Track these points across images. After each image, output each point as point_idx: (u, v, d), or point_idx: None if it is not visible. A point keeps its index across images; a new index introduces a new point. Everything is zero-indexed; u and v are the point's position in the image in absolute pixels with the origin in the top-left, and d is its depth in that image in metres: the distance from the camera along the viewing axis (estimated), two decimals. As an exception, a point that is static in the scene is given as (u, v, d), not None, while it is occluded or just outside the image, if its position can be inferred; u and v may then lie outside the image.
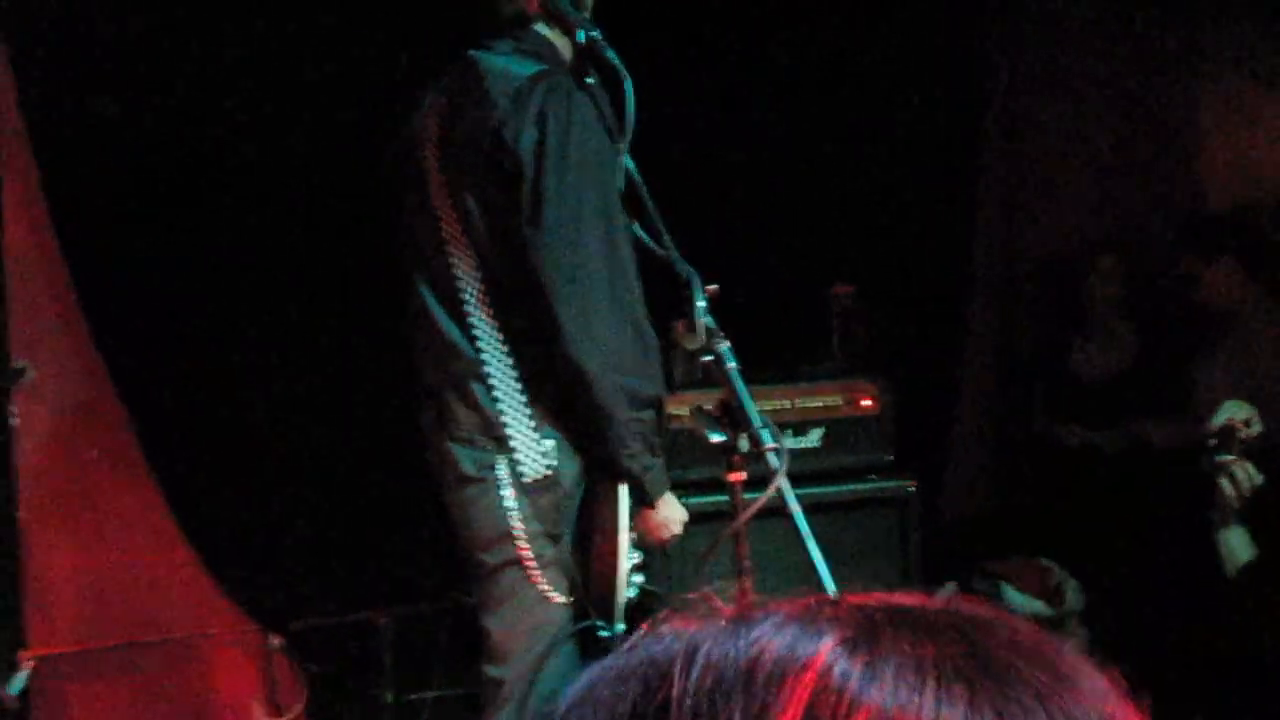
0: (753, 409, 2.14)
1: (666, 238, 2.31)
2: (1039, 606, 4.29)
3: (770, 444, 2.10)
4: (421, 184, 2.80)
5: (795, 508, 2.06)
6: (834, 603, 0.62)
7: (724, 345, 2.19)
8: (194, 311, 4.06)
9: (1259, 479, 3.31)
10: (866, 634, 0.58)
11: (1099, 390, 4.98)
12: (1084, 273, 5.06)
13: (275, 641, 4.08)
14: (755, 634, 0.59)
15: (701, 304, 2.22)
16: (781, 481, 2.05)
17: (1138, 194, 5.35)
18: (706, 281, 2.39)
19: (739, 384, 2.17)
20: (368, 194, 3.34)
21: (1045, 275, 5.38)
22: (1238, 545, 3.43)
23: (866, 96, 4.67)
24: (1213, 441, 3.35)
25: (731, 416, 2.18)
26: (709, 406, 2.21)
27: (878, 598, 0.63)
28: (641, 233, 2.34)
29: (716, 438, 2.18)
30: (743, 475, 2.22)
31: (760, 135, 4.51)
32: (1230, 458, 3.31)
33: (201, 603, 4.07)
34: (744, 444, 2.13)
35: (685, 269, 2.28)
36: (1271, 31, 5.07)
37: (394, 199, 2.92)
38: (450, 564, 3.21)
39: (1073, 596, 4.33)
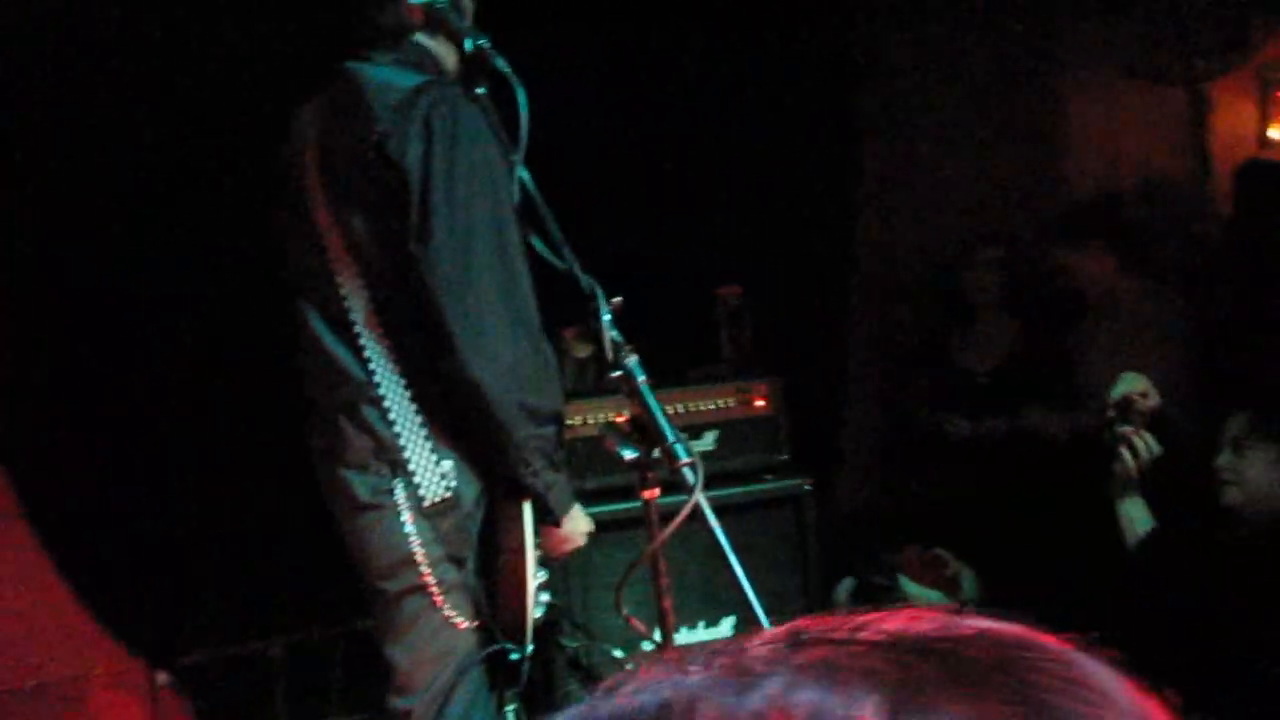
0: (666, 424, 2.09)
1: (567, 250, 2.24)
2: (935, 597, 4.33)
3: (685, 459, 2.04)
4: (302, 203, 2.69)
5: (714, 524, 2.01)
6: (830, 640, 0.55)
7: (632, 359, 2.13)
8: (55, 347, 3.88)
9: (1157, 449, 3.39)
10: (912, 692, 0.51)
11: (983, 381, 5.05)
12: (962, 265, 5.13)
13: (161, 679, 3.92)
14: (767, 690, 0.52)
15: (607, 317, 2.15)
16: (699, 497, 2.00)
17: (1011, 185, 5.44)
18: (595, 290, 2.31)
19: (650, 398, 2.11)
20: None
21: (925, 269, 5.44)
22: (1136, 516, 3.50)
23: (743, 98, 4.67)
24: (1112, 414, 3.42)
25: (644, 432, 2.12)
26: (620, 422, 2.15)
27: (896, 625, 0.56)
28: (540, 246, 2.27)
29: (629, 454, 2.13)
30: (656, 492, 2.16)
31: (639, 140, 4.48)
32: (1129, 428, 3.37)
33: (79, 642, 3.89)
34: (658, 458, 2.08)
35: (588, 281, 2.21)
36: (1128, 21, 5.20)
37: (273, 219, 2.80)
38: (342, 587, 3.11)
39: (968, 585, 4.37)
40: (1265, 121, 6.78)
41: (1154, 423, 3.41)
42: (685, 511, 1.98)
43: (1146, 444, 3.39)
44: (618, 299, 2.20)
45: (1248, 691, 3.18)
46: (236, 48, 3.89)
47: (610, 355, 2.13)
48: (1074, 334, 4.90)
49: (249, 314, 3.85)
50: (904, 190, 5.42)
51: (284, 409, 2.93)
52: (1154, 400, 3.40)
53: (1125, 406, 3.40)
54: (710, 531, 2.03)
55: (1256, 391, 3.46)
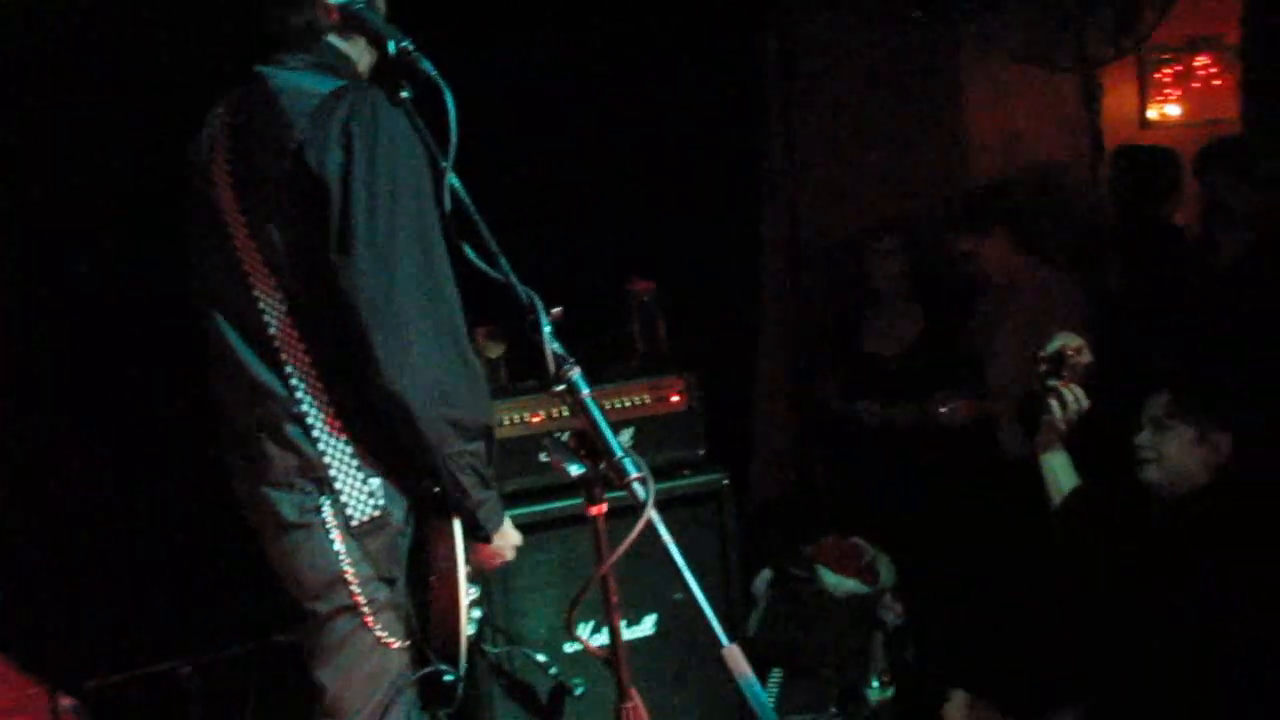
0: (612, 438, 2.04)
1: (502, 260, 2.17)
2: (854, 585, 4.35)
3: (635, 474, 2.00)
4: (214, 215, 2.58)
5: (669, 539, 1.97)
6: None
7: (576, 373, 2.07)
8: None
9: (1085, 403, 3.45)
10: None
11: (891, 367, 5.09)
12: (867, 253, 5.16)
13: (66, 704, 3.76)
14: None
15: (548, 329, 2.09)
16: (651, 512, 1.96)
17: (913, 173, 5.49)
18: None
19: (596, 412, 2.06)
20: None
21: (831, 257, 5.46)
22: (1060, 470, 3.56)
23: (650, 91, 4.64)
24: (1044, 367, 3.48)
25: (589, 447, 2.07)
26: (565, 437, 2.10)
27: None
28: (474, 256, 2.19)
29: (576, 470, 2.07)
30: (604, 508, 2.11)
31: (547, 138, 4.43)
32: (1059, 381, 3.42)
33: (-25, 668, 3.74)
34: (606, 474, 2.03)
35: (525, 292, 2.15)
36: (1023, 9, 5.27)
37: (183, 232, 2.69)
38: (256, 601, 3.02)
39: (885, 572, 4.41)
40: (1145, 103, 6.95)
41: (1085, 380, 3.46)
42: (638, 529, 1.94)
43: (1076, 397, 3.45)
44: (558, 310, 2.13)
45: (1164, 654, 3.26)
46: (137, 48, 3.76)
47: (553, 369, 2.07)
48: (976, 319, 4.96)
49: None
50: (809, 181, 5.43)
51: (200, 428, 2.84)
52: (1087, 357, 3.45)
53: (1058, 360, 3.46)
54: (649, 538, 1.98)
55: (1176, 372, 3.52)
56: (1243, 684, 3.20)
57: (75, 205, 3.88)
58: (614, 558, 1.97)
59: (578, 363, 2.06)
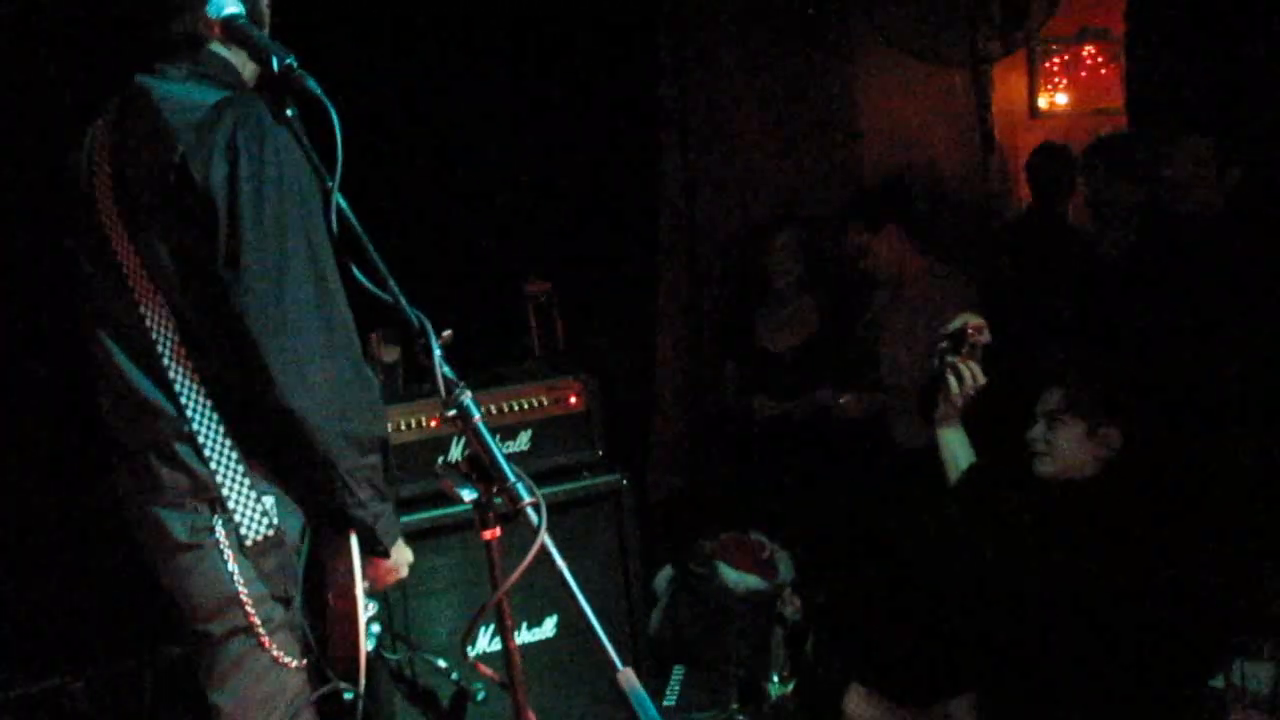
0: (505, 462, 2.03)
1: (391, 282, 2.15)
2: (753, 581, 4.39)
3: (528, 499, 1.99)
4: (95, 230, 2.51)
5: (562, 565, 1.97)
6: None
7: (466, 397, 2.06)
8: None
9: (982, 379, 3.52)
10: None
11: (786, 362, 5.14)
12: (762, 249, 5.19)
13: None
14: None
15: (438, 353, 2.08)
16: (544, 537, 1.96)
17: (809, 170, 5.53)
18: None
19: (488, 437, 2.05)
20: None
21: (727, 254, 5.49)
22: (958, 445, 3.64)
23: (546, 89, 4.62)
24: (944, 344, 3.55)
25: (482, 471, 2.06)
26: (457, 461, 2.08)
27: None
28: (362, 277, 2.17)
29: (469, 495, 2.06)
30: (497, 532, 2.11)
31: (443, 138, 4.39)
32: (957, 357, 3.49)
33: None
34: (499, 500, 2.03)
35: (414, 315, 2.13)
36: (915, 5, 5.33)
37: (63, 247, 2.62)
38: (146, 612, 2.97)
39: (784, 567, 4.45)
40: (1034, 91, 7.07)
41: (983, 358, 3.53)
42: (532, 555, 1.93)
43: (972, 373, 3.52)
44: (447, 333, 2.12)
45: (1052, 637, 3.34)
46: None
47: (444, 394, 2.05)
48: (870, 313, 5.02)
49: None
50: (703, 179, 5.45)
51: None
52: (986, 337, 3.53)
53: (958, 337, 3.54)
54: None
55: (1069, 368, 3.60)
56: (1129, 668, 3.29)
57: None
58: (506, 585, 1.97)
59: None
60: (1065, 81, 7.03)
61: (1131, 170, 4.63)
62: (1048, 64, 7.00)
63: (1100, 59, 7.01)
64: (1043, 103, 7.03)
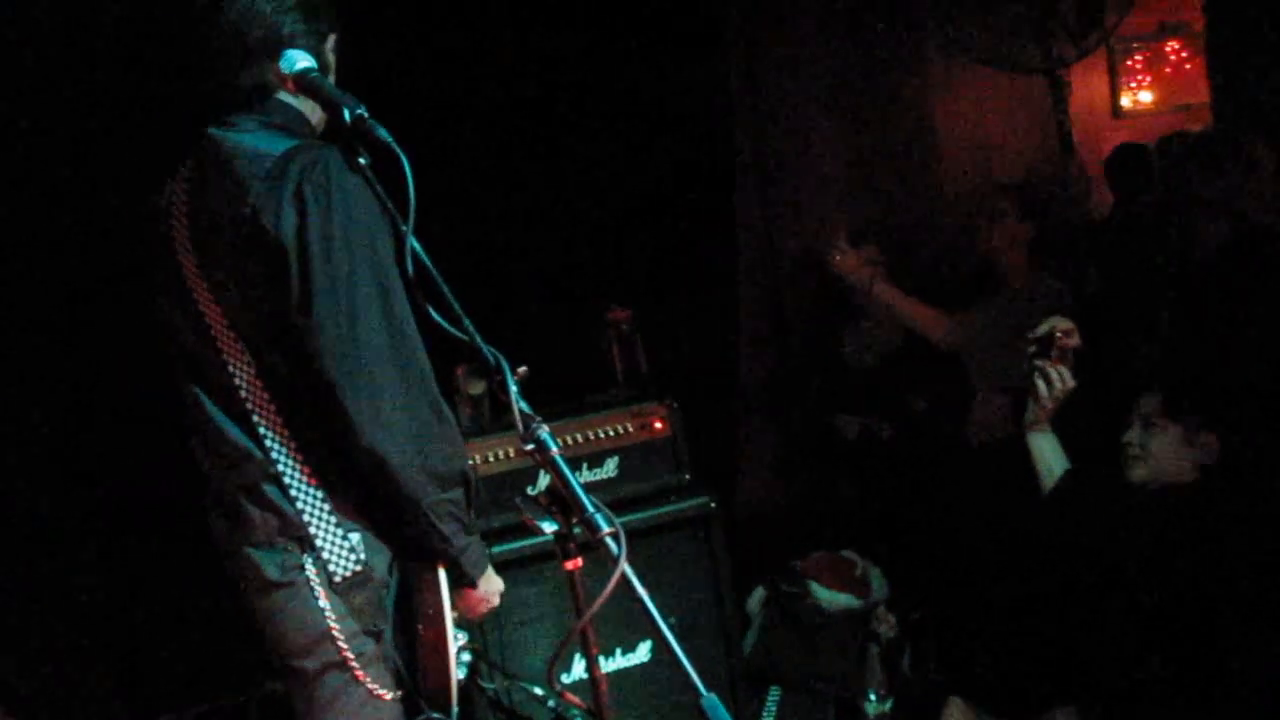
0: (583, 494, 2.05)
1: (466, 321, 2.19)
2: (847, 599, 4.37)
3: (606, 529, 2.01)
4: (178, 282, 2.59)
5: (643, 593, 1.98)
6: None
7: (544, 430, 2.09)
8: None
9: (1071, 383, 3.47)
10: None
11: (871, 376, 5.11)
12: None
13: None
14: None
15: (514, 389, 2.11)
16: (624, 567, 1.97)
17: (886, 183, 5.51)
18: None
19: (565, 469, 2.08)
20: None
21: (807, 271, 5.47)
22: (1050, 451, 3.59)
23: (617, 113, 4.65)
24: (1033, 349, 3.50)
25: (561, 503, 2.09)
26: (537, 494, 2.12)
27: None
28: (439, 318, 2.21)
29: (550, 527, 2.09)
30: (579, 562, 2.13)
31: (520, 172, 4.44)
32: (1046, 361, 3.45)
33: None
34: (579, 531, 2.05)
35: (490, 352, 2.17)
36: (988, 14, 5.30)
37: (149, 300, 2.70)
38: (249, 650, 3.02)
39: (877, 584, 4.43)
40: (1116, 92, 6.96)
41: (1075, 362, 3.49)
42: (612, 585, 1.95)
43: (1061, 377, 3.47)
44: (523, 369, 2.16)
45: (1156, 650, 3.28)
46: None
47: (521, 429, 2.09)
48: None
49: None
50: (782, 196, 5.45)
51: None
52: (1075, 340, 3.48)
53: (1046, 341, 3.50)
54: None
55: (1168, 372, 3.55)
56: (1235, 680, 3.22)
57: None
58: (587, 616, 1.99)
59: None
60: (1149, 79, 6.92)
61: (1213, 171, 4.53)
62: (1129, 62, 6.90)
63: (1184, 54, 6.89)
64: (1126, 102, 6.92)
